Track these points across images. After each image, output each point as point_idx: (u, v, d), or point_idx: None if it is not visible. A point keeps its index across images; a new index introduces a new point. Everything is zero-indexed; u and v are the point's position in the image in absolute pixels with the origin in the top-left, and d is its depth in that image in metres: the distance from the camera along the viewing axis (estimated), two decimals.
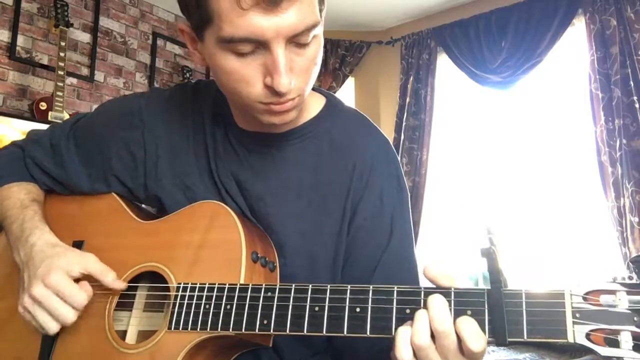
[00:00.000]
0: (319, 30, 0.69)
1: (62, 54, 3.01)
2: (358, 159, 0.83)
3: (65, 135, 0.92)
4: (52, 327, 0.74)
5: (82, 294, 0.75)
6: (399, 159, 0.89)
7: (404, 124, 3.85)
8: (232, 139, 0.85)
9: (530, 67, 3.35)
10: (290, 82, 0.67)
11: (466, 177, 3.73)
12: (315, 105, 0.86)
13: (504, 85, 3.51)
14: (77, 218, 0.91)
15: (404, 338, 0.57)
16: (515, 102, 3.57)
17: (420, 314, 0.57)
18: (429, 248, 3.71)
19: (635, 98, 2.93)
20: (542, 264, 3.25)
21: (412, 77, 3.88)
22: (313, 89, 0.87)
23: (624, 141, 2.93)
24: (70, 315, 0.74)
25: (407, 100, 3.86)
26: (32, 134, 0.96)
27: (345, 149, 0.84)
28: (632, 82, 2.95)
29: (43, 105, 3.01)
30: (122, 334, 0.80)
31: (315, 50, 0.70)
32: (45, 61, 3.23)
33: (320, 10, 0.69)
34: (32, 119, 2.96)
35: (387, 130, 3.93)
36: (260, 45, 0.65)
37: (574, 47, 3.29)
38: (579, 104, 3.18)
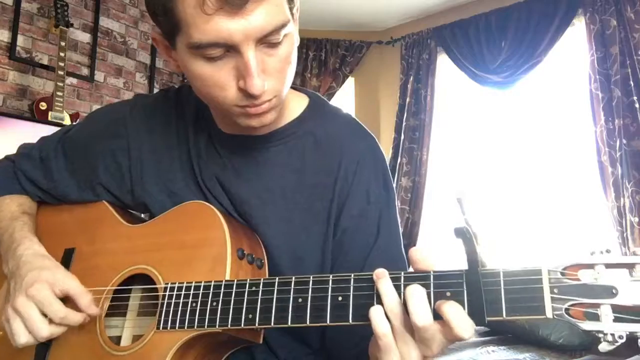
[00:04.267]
0: (290, 29, 0.68)
1: (62, 54, 3.01)
2: (343, 159, 0.82)
3: (53, 147, 0.93)
4: (22, 339, 0.72)
5: (61, 307, 0.73)
6: (386, 158, 0.88)
7: (404, 124, 3.85)
8: (215, 142, 0.85)
9: (530, 67, 3.35)
10: (263, 84, 0.66)
11: (466, 177, 3.73)
12: (297, 105, 0.86)
13: (504, 85, 3.51)
14: (68, 226, 0.92)
15: (378, 310, 0.57)
16: (515, 102, 3.57)
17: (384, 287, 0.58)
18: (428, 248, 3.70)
19: (635, 98, 2.92)
20: (542, 264, 3.24)
21: (412, 77, 3.88)
22: (296, 89, 0.87)
23: (624, 141, 2.93)
24: (44, 329, 0.72)
25: (407, 100, 3.86)
26: (22, 147, 0.98)
27: (330, 149, 0.83)
28: (632, 82, 2.94)
29: (43, 105, 3.01)
30: (119, 339, 0.80)
31: (288, 50, 0.69)
32: (45, 61, 3.23)
33: (291, 9, 0.68)
34: (32, 119, 2.96)
35: (387, 130, 3.93)
36: (230, 48, 0.64)
37: (574, 47, 3.28)
38: (579, 104, 3.18)
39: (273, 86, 0.69)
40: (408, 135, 3.83)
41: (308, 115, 0.85)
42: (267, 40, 0.65)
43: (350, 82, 4.29)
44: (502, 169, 3.60)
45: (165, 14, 0.64)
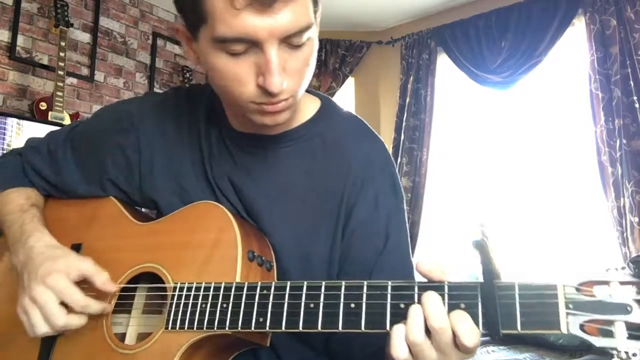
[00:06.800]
0: (312, 33, 0.69)
1: (62, 54, 3.01)
2: (353, 162, 0.83)
3: (62, 141, 0.93)
4: (41, 329, 0.73)
5: (81, 296, 0.74)
6: (394, 162, 0.88)
7: (404, 124, 3.85)
8: (226, 140, 0.85)
9: (530, 67, 3.35)
10: (282, 83, 0.67)
11: (466, 177, 3.73)
12: (310, 107, 0.86)
13: (504, 85, 3.51)
14: (75, 221, 0.92)
15: (399, 336, 0.57)
16: (515, 102, 3.57)
17: (413, 310, 0.57)
18: (429, 248, 3.71)
19: (635, 98, 2.93)
20: (542, 265, 3.25)
21: (412, 77, 3.87)
22: (308, 92, 0.87)
23: (624, 141, 2.93)
24: (59, 318, 0.72)
25: (407, 100, 3.86)
26: (30, 141, 0.98)
27: (339, 152, 0.83)
28: (632, 82, 2.95)
29: (43, 105, 3.01)
30: (123, 336, 0.80)
31: (309, 52, 0.70)
32: (45, 61, 3.23)
33: (315, 12, 0.69)
34: (32, 119, 2.96)
35: (387, 130, 3.93)
36: (254, 45, 0.65)
37: (574, 47, 3.28)
38: (579, 104, 3.18)
39: (290, 86, 0.69)
40: (408, 135, 3.83)
41: (319, 117, 0.86)
42: (290, 41, 0.66)
43: (350, 82, 4.28)
44: (502, 169, 3.60)
45: (193, 6, 0.65)
